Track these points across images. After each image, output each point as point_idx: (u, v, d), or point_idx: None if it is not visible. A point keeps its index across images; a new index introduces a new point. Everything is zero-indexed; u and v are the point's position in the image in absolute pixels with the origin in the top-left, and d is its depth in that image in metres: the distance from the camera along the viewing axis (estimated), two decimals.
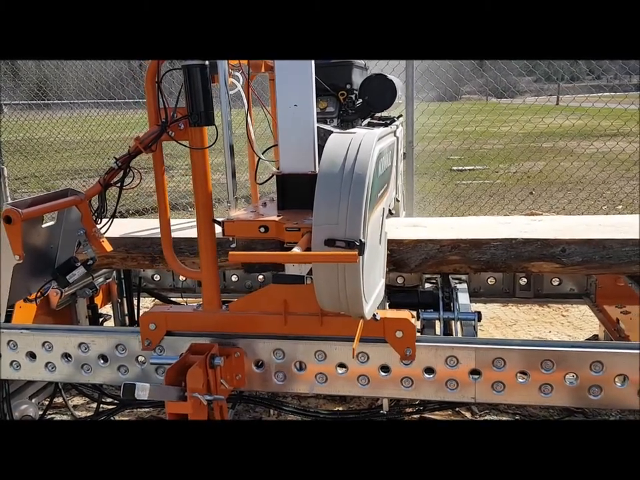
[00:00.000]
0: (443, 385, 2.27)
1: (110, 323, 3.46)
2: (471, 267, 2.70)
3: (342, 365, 2.32)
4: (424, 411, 2.81)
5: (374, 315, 2.12)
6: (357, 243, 1.72)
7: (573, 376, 2.19)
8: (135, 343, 2.47)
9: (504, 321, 4.01)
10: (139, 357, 2.49)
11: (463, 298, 2.72)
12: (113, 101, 11.10)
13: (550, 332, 3.94)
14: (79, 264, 2.38)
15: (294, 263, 2.14)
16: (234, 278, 3.54)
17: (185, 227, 3.14)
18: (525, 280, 3.23)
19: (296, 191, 2.11)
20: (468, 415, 3.01)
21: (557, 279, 3.20)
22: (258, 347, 2.38)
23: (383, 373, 2.30)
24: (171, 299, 3.57)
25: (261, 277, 3.43)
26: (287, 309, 2.24)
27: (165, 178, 2.29)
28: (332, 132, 2.15)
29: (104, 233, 2.39)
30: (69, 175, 11.98)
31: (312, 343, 2.32)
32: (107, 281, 3.47)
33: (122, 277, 3.52)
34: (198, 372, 2.12)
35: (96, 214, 2.31)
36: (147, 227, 3.13)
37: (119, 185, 2.22)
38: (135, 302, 3.49)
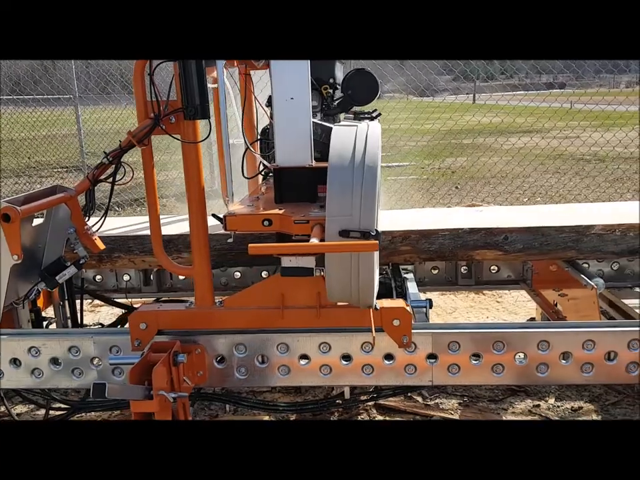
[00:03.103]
0: (402, 370, 2.36)
1: (53, 326, 3.31)
2: (420, 257, 2.81)
3: (304, 357, 2.36)
4: (378, 397, 2.89)
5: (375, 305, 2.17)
6: (373, 233, 1.77)
7: (522, 355, 2.34)
8: (89, 344, 2.41)
9: (444, 309, 4.19)
10: (94, 359, 2.42)
11: (412, 287, 2.82)
12: (21, 97, 10.58)
13: (487, 317, 4.15)
14: (69, 263, 2.29)
15: (291, 257, 2.15)
16: (181, 276, 3.49)
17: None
18: (466, 268, 3.38)
19: (293, 184, 2.12)
20: (419, 399, 3.13)
21: (495, 267, 3.37)
22: (219, 342, 2.37)
23: (344, 362, 2.36)
24: (115, 299, 3.47)
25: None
26: (284, 302, 2.24)
27: (155, 173, 2.24)
28: (323, 125, 2.18)
29: (96, 231, 2.32)
30: None
31: (274, 335, 2.34)
32: None
33: None
34: (163, 370, 2.10)
35: (84, 211, 2.23)
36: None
37: (109, 180, 2.14)
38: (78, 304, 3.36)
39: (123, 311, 3.48)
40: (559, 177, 9.27)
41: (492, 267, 3.38)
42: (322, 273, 1.97)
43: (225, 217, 2.06)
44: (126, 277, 3.47)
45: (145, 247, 2.90)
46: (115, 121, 11.79)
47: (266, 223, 2.02)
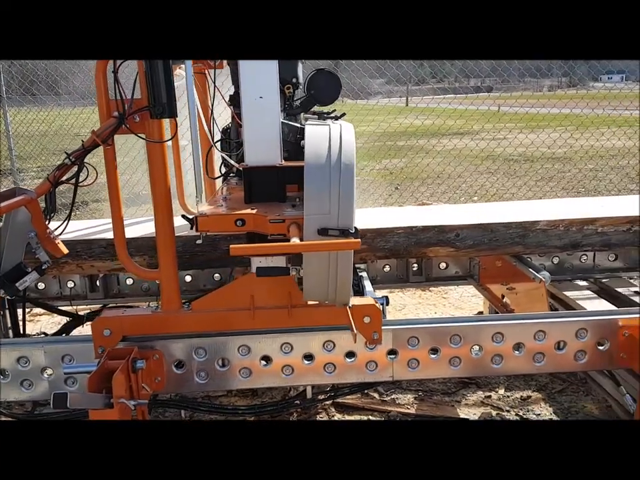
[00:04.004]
0: (364, 367, 2.39)
1: None
2: (375, 255, 2.85)
3: (266, 358, 2.34)
4: (336, 396, 2.91)
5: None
6: (352, 231, 1.77)
7: (478, 348, 2.41)
8: (40, 354, 2.30)
9: (393, 306, 4.26)
10: (45, 370, 2.32)
11: (367, 285, 2.86)
12: None
13: (435, 313, 4.26)
14: (31, 269, 2.16)
15: (262, 257, 2.13)
16: (129, 281, 3.39)
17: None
18: (416, 266, 3.46)
19: (263, 184, 2.08)
20: (376, 395, 3.17)
21: (445, 263, 3.47)
22: (177, 347, 2.32)
23: (306, 362, 2.36)
24: (59, 307, 3.33)
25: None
26: (254, 303, 2.22)
27: (118, 173, 2.16)
28: (290, 124, 2.16)
29: (59, 234, 2.20)
30: None
31: (235, 338, 2.31)
32: None
33: None
34: (122, 377, 2.03)
35: (44, 213, 2.11)
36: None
37: (72, 182, 2.04)
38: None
39: (67, 319, 3.35)
40: (490, 176, 9.62)
41: (441, 264, 3.47)
42: (299, 272, 1.96)
43: (195, 217, 2.01)
44: (70, 284, 3.34)
45: (93, 251, 2.79)
46: (41, 123, 11.30)
47: (239, 223, 1.98)
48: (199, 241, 2.27)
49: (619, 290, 3.17)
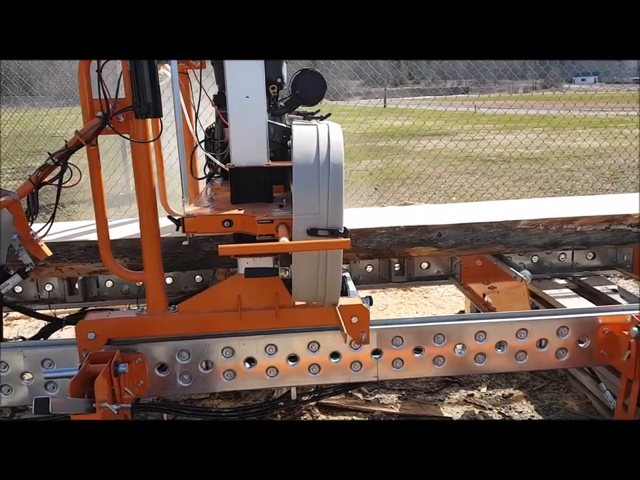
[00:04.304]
0: (348, 367, 2.38)
1: None
2: (359, 255, 2.85)
3: (250, 360, 2.33)
4: (320, 397, 2.90)
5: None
6: (341, 231, 1.77)
7: (461, 346, 2.43)
8: (19, 359, 2.26)
9: (375, 306, 4.27)
10: (25, 375, 2.27)
11: (351, 285, 2.86)
12: None
13: (417, 312, 4.27)
14: (13, 272, 2.11)
15: (249, 258, 2.11)
16: (109, 284, 3.34)
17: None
18: (399, 266, 3.47)
19: (250, 184, 2.06)
20: (360, 395, 3.17)
21: (426, 263, 3.48)
22: (160, 350, 2.30)
23: (291, 363, 2.35)
24: (37, 311, 3.27)
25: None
26: (241, 304, 2.20)
27: (102, 174, 2.12)
28: (276, 124, 2.14)
29: (42, 236, 2.16)
30: None
31: (219, 340, 2.29)
32: None
33: None
34: (104, 381, 2.00)
35: (27, 215, 2.06)
36: None
37: (55, 183, 2.00)
38: None
39: (46, 322, 3.29)
40: (468, 177, 9.70)
41: (423, 264, 3.48)
42: (287, 272, 1.96)
43: (182, 218, 1.99)
44: (48, 287, 3.28)
45: (72, 253, 2.75)
46: (16, 124, 11.11)
47: (226, 223, 1.97)
48: (185, 242, 2.25)
49: (597, 288, 3.22)
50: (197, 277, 3.27)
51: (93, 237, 2.80)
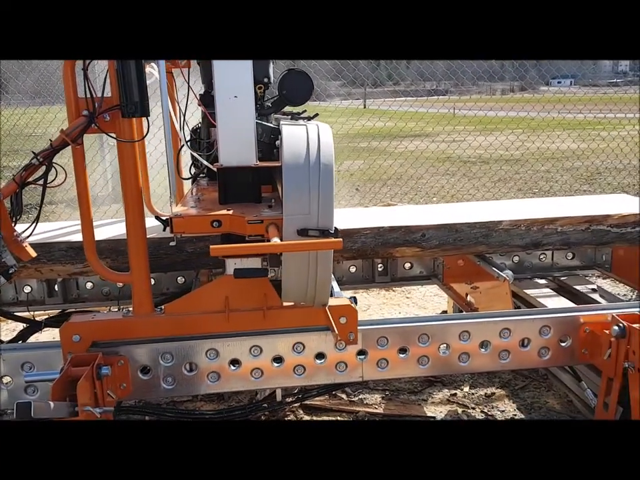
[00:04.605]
0: (333, 368, 2.38)
1: None
2: (343, 256, 2.85)
3: (235, 362, 2.31)
4: (304, 398, 2.89)
5: None
6: (332, 231, 1.77)
7: (445, 346, 2.44)
8: None
9: (358, 307, 4.24)
10: (4, 378, 2.23)
11: (335, 286, 2.86)
12: None
13: (400, 312, 4.29)
14: None
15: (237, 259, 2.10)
16: (89, 285, 3.30)
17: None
18: (382, 266, 3.47)
19: (238, 185, 2.05)
20: (344, 396, 3.17)
21: (409, 263, 3.50)
22: (143, 352, 2.27)
23: (276, 364, 2.34)
24: (16, 314, 3.21)
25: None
26: (228, 306, 2.18)
27: (87, 174, 2.09)
28: (263, 124, 2.13)
29: (27, 237, 2.12)
30: None
31: (203, 341, 2.27)
32: None
33: None
34: (87, 384, 1.97)
35: (11, 215, 2.02)
36: None
37: (39, 182, 1.96)
38: None
39: (24, 325, 3.23)
40: (448, 178, 9.78)
41: (406, 264, 3.50)
42: (277, 273, 1.95)
43: (170, 219, 1.97)
44: (27, 289, 3.22)
45: (52, 254, 2.71)
46: None
47: (215, 224, 1.95)
48: (172, 243, 2.23)
49: (577, 287, 3.26)
50: (179, 278, 3.24)
51: (74, 237, 2.76)
